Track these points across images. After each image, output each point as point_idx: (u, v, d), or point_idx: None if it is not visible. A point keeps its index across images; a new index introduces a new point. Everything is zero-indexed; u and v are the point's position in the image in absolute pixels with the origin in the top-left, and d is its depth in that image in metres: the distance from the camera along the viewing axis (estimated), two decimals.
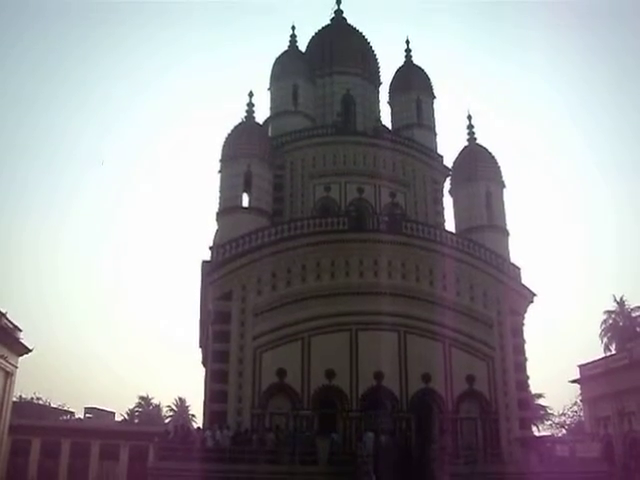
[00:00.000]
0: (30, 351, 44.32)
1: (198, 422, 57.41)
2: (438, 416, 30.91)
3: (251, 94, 37.36)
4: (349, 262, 31.59)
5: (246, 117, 36.73)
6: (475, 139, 39.09)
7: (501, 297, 33.13)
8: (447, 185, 39.79)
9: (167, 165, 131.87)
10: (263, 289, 30.83)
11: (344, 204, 36.87)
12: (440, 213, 39.30)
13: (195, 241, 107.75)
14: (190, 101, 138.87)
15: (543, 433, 56.39)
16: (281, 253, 31.19)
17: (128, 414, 79.39)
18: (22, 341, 43.64)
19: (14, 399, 47.83)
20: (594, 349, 59.72)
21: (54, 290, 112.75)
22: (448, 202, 39.46)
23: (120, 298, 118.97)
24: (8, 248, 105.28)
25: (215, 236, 34.59)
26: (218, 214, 34.23)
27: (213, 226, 35.22)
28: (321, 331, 30.20)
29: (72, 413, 71.85)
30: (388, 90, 44.50)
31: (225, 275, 30.73)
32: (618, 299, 62.44)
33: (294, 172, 37.65)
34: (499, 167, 38.14)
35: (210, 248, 32.77)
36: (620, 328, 60.37)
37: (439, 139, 42.32)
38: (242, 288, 30.64)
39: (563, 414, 65.57)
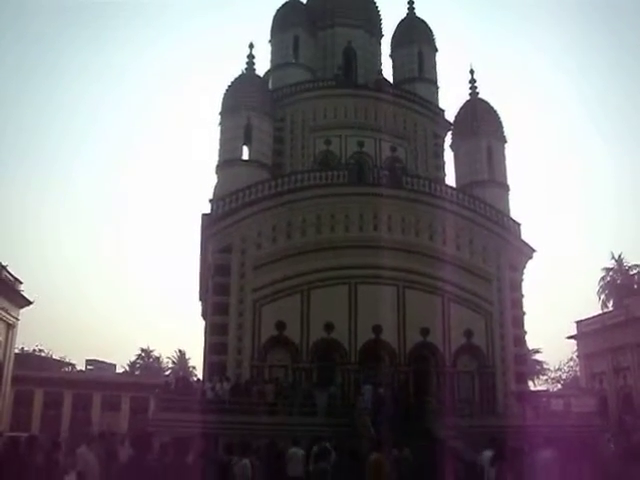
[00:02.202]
0: (31, 303, 44.53)
1: (198, 374, 58.01)
2: (436, 370, 31.25)
3: (251, 46, 36.90)
4: (349, 216, 31.54)
5: (246, 69, 36.31)
6: (477, 93, 38.74)
7: (500, 252, 33.19)
8: (448, 139, 39.53)
9: (168, 118, 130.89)
10: (263, 242, 30.83)
11: (344, 157, 36.65)
12: (441, 168, 39.09)
13: (195, 194, 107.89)
14: (192, 55, 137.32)
15: (539, 388, 57.06)
16: (281, 206, 31.12)
17: (129, 366, 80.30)
18: (23, 293, 43.80)
19: (16, 351, 48.19)
20: (591, 306, 60.18)
21: (55, 243, 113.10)
22: (449, 157, 39.32)
23: (121, 251, 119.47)
24: (9, 201, 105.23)
25: (215, 189, 34.41)
26: (218, 167, 34.04)
27: (213, 179, 35.09)
28: (320, 284, 30.28)
29: (74, 365, 72.52)
30: (390, 43, 43.95)
31: (225, 228, 30.69)
32: (616, 256, 62.75)
33: (294, 125, 37.31)
34: (501, 122, 37.86)
35: (210, 201, 32.62)
36: (618, 285, 60.75)
37: (441, 93, 41.97)
38: (242, 241, 30.63)
39: (559, 369, 66.56)
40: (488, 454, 13.64)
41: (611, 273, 62.52)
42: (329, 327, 29.99)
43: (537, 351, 63.21)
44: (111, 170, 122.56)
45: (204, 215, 32.89)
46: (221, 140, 34.52)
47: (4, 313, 41.22)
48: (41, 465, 11.99)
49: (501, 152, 37.19)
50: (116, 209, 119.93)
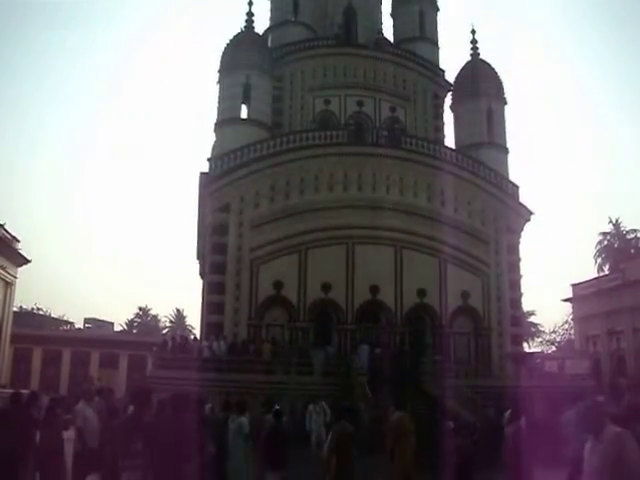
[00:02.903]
0: (29, 262, 44.52)
1: (196, 333, 58.36)
2: (432, 330, 31.46)
3: (250, 3, 36.47)
4: (347, 176, 31.47)
5: (245, 27, 35.89)
6: (478, 54, 38.34)
7: (499, 215, 33.20)
8: (448, 101, 39.24)
9: (167, 76, 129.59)
10: (261, 201, 30.79)
11: (344, 117, 36.44)
12: (440, 129, 38.90)
13: (193, 153, 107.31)
14: (192, 13, 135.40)
15: (534, 350, 57.49)
16: (280, 165, 31.02)
17: (127, 325, 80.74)
18: (21, 252, 43.75)
19: (14, 309, 48.32)
20: (587, 269, 60.40)
21: (53, 201, 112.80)
22: (449, 118, 39.08)
23: (120, 209, 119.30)
24: (5, 159, 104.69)
25: (213, 148, 34.24)
26: (216, 125, 33.82)
27: (212, 138, 34.90)
28: (318, 244, 30.34)
29: (72, 323, 72.84)
30: (391, 1, 43.42)
31: (223, 187, 30.62)
32: (614, 221, 62.74)
33: (294, 84, 37.02)
34: (501, 83, 37.54)
35: (208, 160, 32.50)
36: (614, 249, 60.86)
37: (442, 53, 41.60)
38: (240, 200, 30.59)
39: (554, 332, 66.95)
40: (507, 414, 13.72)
41: (608, 237, 62.62)
42: (326, 287, 30.10)
43: (532, 313, 63.66)
44: (110, 126, 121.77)
45: (202, 174, 32.79)
46: (220, 99, 34.23)
47: (2, 271, 41.21)
48: (42, 421, 12.12)
49: (501, 114, 36.95)
50: (115, 168, 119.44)
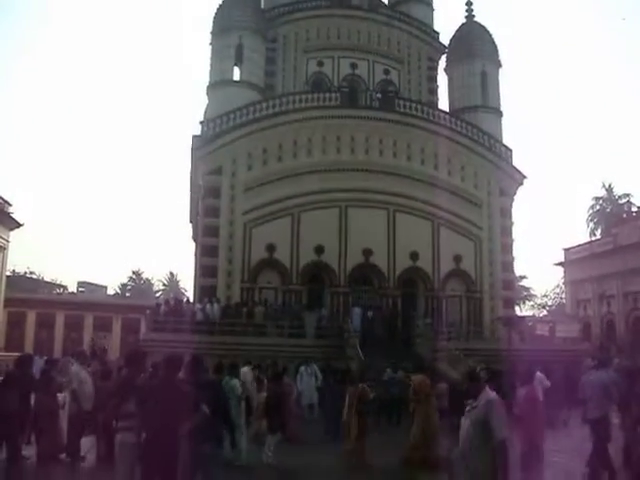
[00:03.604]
0: (21, 225, 44.33)
1: (189, 296, 58.51)
2: (424, 293, 31.64)
3: None
4: (340, 139, 31.36)
5: None
6: (473, 16, 38.01)
7: (491, 178, 33.20)
8: (442, 63, 38.92)
9: (159, 38, 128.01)
10: (254, 164, 30.69)
11: (337, 80, 36.17)
12: (434, 91, 38.67)
13: (185, 115, 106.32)
14: None
15: (525, 313, 57.96)
16: (272, 128, 30.85)
17: (120, 288, 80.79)
18: (12, 216, 43.53)
19: (7, 273, 48.24)
20: (580, 234, 60.58)
21: (44, 164, 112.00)
22: (443, 81, 38.78)
23: (111, 173, 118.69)
24: None
25: (206, 110, 33.98)
26: (209, 88, 33.48)
27: (204, 100, 34.59)
28: (311, 207, 30.35)
29: (65, 287, 72.80)
30: None
31: (215, 150, 30.47)
32: (607, 185, 62.79)
33: (287, 46, 36.64)
34: (496, 46, 37.24)
35: (200, 122, 32.27)
36: (607, 214, 60.95)
37: (436, 15, 41.23)
38: (232, 163, 30.47)
39: (545, 296, 67.49)
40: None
41: (601, 202, 62.70)
42: (319, 250, 30.17)
43: (523, 277, 64.01)
44: (100, 90, 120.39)
45: (195, 137, 32.55)
46: (212, 60, 33.82)
47: None
48: (38, 383, 12.22)
49: (495, 77, 36.69)
50: (106, 131, 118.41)
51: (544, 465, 11.17)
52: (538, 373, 13.83)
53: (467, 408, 5.24)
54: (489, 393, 5.17)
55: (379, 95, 34.09)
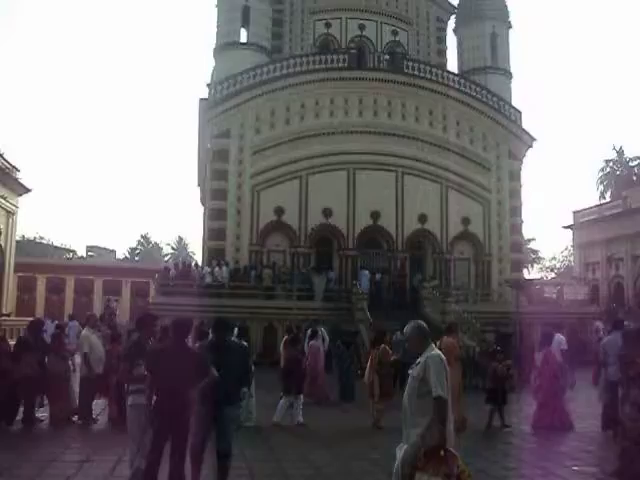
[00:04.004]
0: (29, 191, 44.35)
1: (197, 260, 58.69)
2: (432, 256, 31.65)
3: None
4: (348, 101, 31.12)
5: None
6: None
7: (501, 141, 32.97)
8: (451, 24, 38.41)
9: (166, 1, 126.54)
10: (262, 127, 30.53)
11: (345, 41, 35.71)
12: (443, 53, 38.23)
13: (193, 78, 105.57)
14: None
15: (533, 276, 57.96)
16: (280, 90, 30.58)
17: (129, 252, 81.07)
18: (21, 181, 43.52)
19: (17, 239, 48.45)
20: (589, 197, 60.23)
21: (53, 130, 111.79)
22: (452, 42, 38.32)
23: (119, 137, 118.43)
24: (3, 88, 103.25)
25: (213, 73, 33.69)
26: (216, 50, 33.19)
27: (211, 63, 34.29)
28: (319, 170, 30.24)
29: (74, 252, 73.13)
30: None
31: (223, 112, 30.29)
32: (617, 148, 62.18)
33: (294, 7, 36.14)
34: (506, 6, 36.75)
35: (208, 85, 32.07)
36: (617, 177, 60.49)
37: None
38: (240, 126, 30.32)
39: (553, 259, 67.40)
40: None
41: (611, 164, 62.08)
42: (327, 213, 30.17)
43: (532, 239, 63.88)
44: (108, 54, 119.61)
45: (202, 100, 32.38)
46: (218, 22, 33.47)
47: (3, 201, 41.02)
48: (49, 346, 12.38)
49: (505, 38, 36.19)
50: (114, 94, 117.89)
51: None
52: (558, 335, 13.86)
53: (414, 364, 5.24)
54: (432, 348, 5.15)
55: (387, 57, 33.74)
